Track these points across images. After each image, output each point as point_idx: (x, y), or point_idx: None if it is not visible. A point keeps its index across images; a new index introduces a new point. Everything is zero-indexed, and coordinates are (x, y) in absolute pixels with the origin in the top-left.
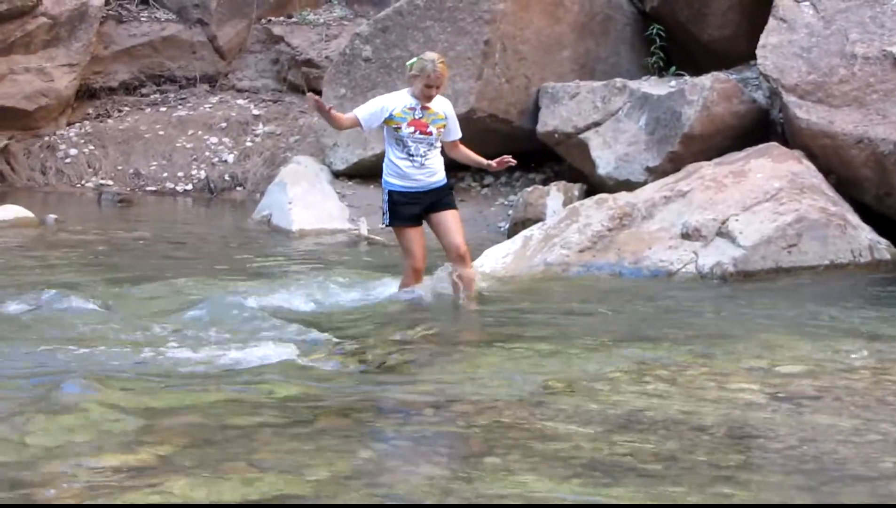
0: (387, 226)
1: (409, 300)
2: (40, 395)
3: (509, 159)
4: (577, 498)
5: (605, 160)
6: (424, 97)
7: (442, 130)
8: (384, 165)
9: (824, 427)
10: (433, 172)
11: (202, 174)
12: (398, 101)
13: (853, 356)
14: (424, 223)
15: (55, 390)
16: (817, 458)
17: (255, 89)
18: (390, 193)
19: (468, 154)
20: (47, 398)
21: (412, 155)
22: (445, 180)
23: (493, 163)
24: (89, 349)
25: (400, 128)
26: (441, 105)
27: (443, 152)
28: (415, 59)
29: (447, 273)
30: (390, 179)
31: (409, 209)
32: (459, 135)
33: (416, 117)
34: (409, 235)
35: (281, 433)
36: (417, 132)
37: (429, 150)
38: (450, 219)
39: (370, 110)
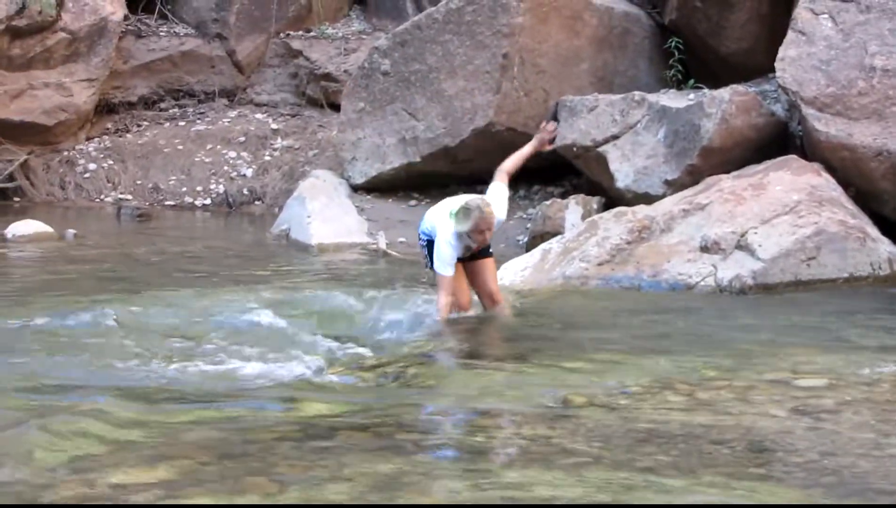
0: (429, 268)
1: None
2: (58, 409)
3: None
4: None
5: (623, 173)
6: (481, 242)
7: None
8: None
9: (844, 441)
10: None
11: (221, 188)
12: (456, 244)
13: (873, 368)
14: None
15: (73, 404)
16: (837, 472)
17: (274, 103)
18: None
19: (514, 165)
20: (65, 412)
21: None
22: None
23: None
24: (108, 363)
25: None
26: None
27: None
28: (457, 209)
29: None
30: None
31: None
32: (503, 213)
33: (473, 249)
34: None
35: (301, 448)
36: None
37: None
38: (486, 267)
39: (451, 266)
